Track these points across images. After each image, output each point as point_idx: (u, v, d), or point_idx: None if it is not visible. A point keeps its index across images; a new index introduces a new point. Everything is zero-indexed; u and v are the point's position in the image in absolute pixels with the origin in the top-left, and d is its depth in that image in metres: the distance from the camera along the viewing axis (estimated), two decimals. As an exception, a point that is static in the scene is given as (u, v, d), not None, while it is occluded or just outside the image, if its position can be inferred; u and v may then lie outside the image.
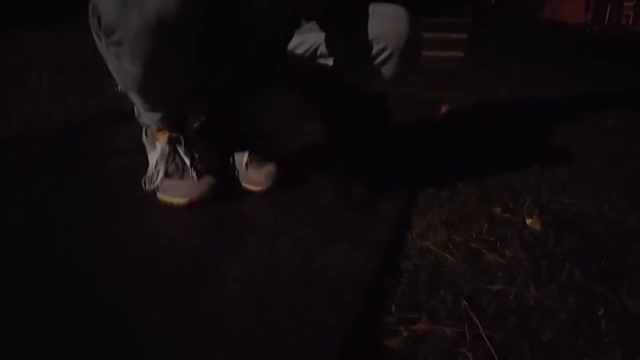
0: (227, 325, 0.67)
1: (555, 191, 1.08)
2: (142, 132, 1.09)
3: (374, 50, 0.92)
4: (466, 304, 0.75)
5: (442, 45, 2.29)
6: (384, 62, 0.92)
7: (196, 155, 1.03)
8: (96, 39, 0.87)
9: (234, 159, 1.11)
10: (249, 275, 0.79)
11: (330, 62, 0.98)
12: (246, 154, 1.08)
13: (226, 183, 1.05)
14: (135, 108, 1.04)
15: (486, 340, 0.68)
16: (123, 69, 0.85)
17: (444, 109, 1.60)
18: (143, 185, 1.03)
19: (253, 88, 0.87)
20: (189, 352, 0.62)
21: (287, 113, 0.99)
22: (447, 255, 0.86)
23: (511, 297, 0.76)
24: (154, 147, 1.04)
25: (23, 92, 1.78)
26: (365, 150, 0.94)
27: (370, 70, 0.94)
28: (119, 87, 0.96)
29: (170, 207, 1.01)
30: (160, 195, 1.02)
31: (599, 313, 0.71)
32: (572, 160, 1.29)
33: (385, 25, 0.90)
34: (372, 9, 0.93)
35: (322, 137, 1.09)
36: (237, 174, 1.10)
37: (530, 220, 0.95)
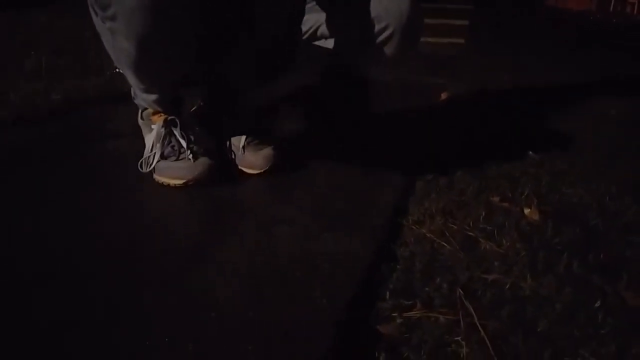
0: (222, 309, 0.67)
1: (555, 181, 1.07)
2: (138, 114, 1.08)
3: (376, 29, 0.91)
4: (461, 292, 0.74)
5: (443, 31, 2.25)
6: (386, 41, 0.92)
7: (192, 138, 1.02)
8: (92, 14, 0.85)
9: (230, 142, 1.10)
10: (244, 260, 0.78)
11: (330, 43, 0.96)
12: (243, 138, 1.07)
13: (223, 165, 1.04)
14: (132, 90, 1.02)
15: (480, 329, 0.68)
16: (118, 45, 0.83)
17: (443, 96, 1.58)
18: (139, 167, 1.02)
19: (256, 77, 0.85)
20: (184, 335, 0.62)
21: (286, 96, 0.97)
22: (444, 243, 0.86)
23: (507, 286, 0.75)
24: (150, 129, 1.03)
25: (22, 73, 1.76)
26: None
27: (371, 49, 0.94)
28: (116, 68, 0.94)
29: (167, 188, 1.00)
30: (156, 177, 1.01)
31: (596, 305, 0.71)
32: (572, 150, 1.27)
33: (387, 4, 0.90)
34: None
35: (319, 121, 1.08)
36: (233, 157, 1.09)
37: (529, 210, 0.94)
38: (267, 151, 1.06)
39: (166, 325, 0.64)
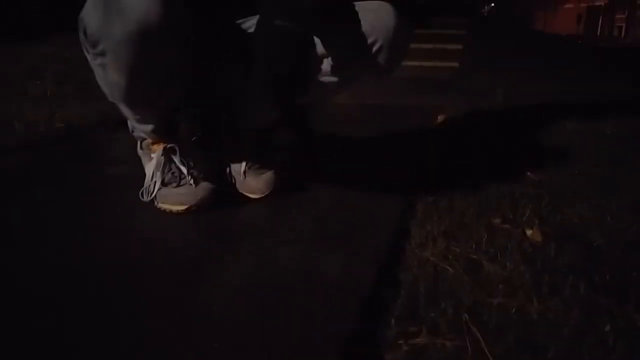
0: (224, 334, 0.66)
1: (555, 201, 1.07)
2: (137, 144, 1.09)
3: (365, 45, 0.93)
4: (467, 317, 0.73)
5: (438, 55, 2.30)
6: (376, 54, 0.94)
7: (192, 163, 1.03)
8: (85, 52, 0.88)
9: (230, 167, 1.10)
10: (245, 284, 0.78)
11: (327, 64, 0.97)
12: (244, 163, 1.08)
13: (223, 190, 1.04)
14: (129, 122, 1.04)
15: (488, 355, 0.67)
16: (109, 79, 0.85)
17: (440, 118, 1.60)
18: (140, 196, 1.02)
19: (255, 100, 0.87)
20: (187, 356, 0.61)
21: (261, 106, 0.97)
22: (447, 267, 0.85)
23: (513, 310, 0.75)
24: (150, 158, 1.04)
25: (27, 101, 1.79)
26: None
27: (363, 64, 0.96)
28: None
29: (169, 214, 1.00)
30: (158, 204, 1.01)
31: (606, 329, 0.69)
32: (570, 168, 1.28)
33: (372, 20, 0.92)
34: (359, 6, 0.94)
35: (319, 146, 1.09)
36: (234, 182, 1.10)
37: (531, 231, 0.94)
38: (268, 175, 1.07)
39: (169, 349, 0.63)
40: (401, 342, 0.69)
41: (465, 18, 2.19)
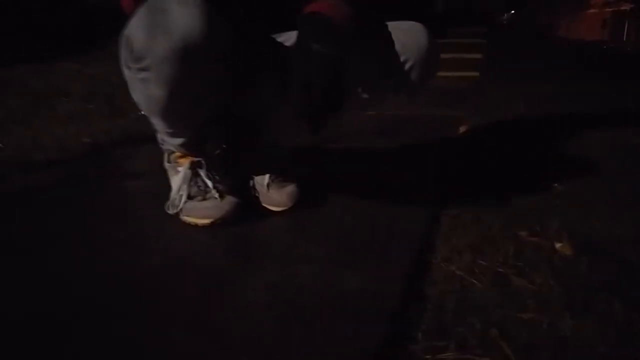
0: (251, 349, 0.66)
1: (584, 214, 1.04)
2: (163, 158, 1.11)
3: (397, 64, 0.95)
4: (496, 332, 0.72)
5: (458, 65, 2.29)
6: (408, 73, 0.96)
7: (217, 177, 1.04)
8: (125, 69, 0.90)
9: (254, 180, 1.12)
10: (270, 299, 0.78)
11: (359, 82, 0.99)
12: (267, 176, 1.09)
13: (247, 204, 1.06)
14: (158, 135, 1.06)
15: (519, 372, 0.65)
16: (149, 94, 0.88)
17: (462, 129, 1.59)
18: (166, 209, 1.04)
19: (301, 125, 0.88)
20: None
21: (298, 129, 0.99)
22: (474, 281, 0.84)
23: (544, 326, 0.73)
24: (177, 172, 1.06)
25: (55, 118, 1.86)
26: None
27: (394, 82, 0.98)
28: (140, 111, 0.99)
29: (194, 227, 1.02)
30: (183, 217, 1.03)
31: (641, 347, 0.67)
32: (598, 180, 1.25)
33: (404, 41, 0.95)
34: (391, 26, 0.96)
35: (343, 157, 1.09)
36: (257, 195, 1.11)
37: (560, 244, 0.92)
38: (291, 188, 1.08)
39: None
40: (429, 357, 0.68)
41: (484, 26, 2.18)
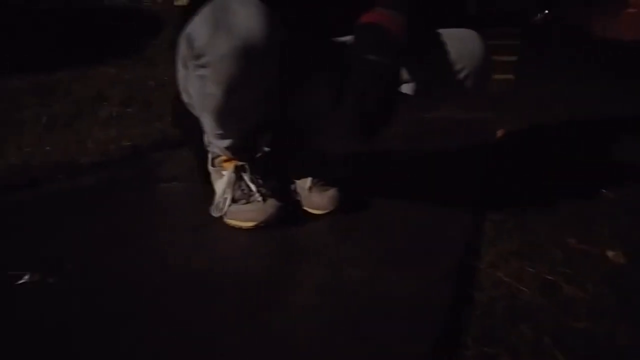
0: (304, 353, 0.67)
1: (636, 221, 1.01)
2: (208, 161, 1.13)
3: (450, 72, 0.96)
4: (549, 340, 0.71)
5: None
6: (460, 82, 0.97)
7: (260, 181, 1.06)
8: (181, 67, 0.93)
9: (296, 184, 1.13)
10: (318, 302, 0.79)
11: (406, 88, 0.99)
12: (309, 179, 1.10)
13: (289, 207, 1.07)
14: (205, 137, 1.09)
15: (576, 382, 0.64)
16: (206, 91, 0.90)
17: (499, 132, 1.57)
18: (211, 212, 1.07)
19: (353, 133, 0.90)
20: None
21: (349, 136, 1.00)
22: (522, 288, 0.83)
23: (600, 336, 0.71)
24: (221, 175, 1.08)
25: (96, 122, 1.92)
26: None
27: (447, 91, 0.99)
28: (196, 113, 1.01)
29: (234, 229, 1.03)
30: (228, 220, 1.05)
31: None
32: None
33: (459, 49, 0.95)
34: (445, 34, 0.97)
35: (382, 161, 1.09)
36: (299, 198, 1.12)
37: (612, 253, 0.89)
38: (333, 192, 1.09)
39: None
40: (481, 364, 0.68)
41: (518, 27, 2.14)
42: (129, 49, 2.79)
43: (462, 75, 0.96)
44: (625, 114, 1.67)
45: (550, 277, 0.85)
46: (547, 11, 3.05)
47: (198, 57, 0.86)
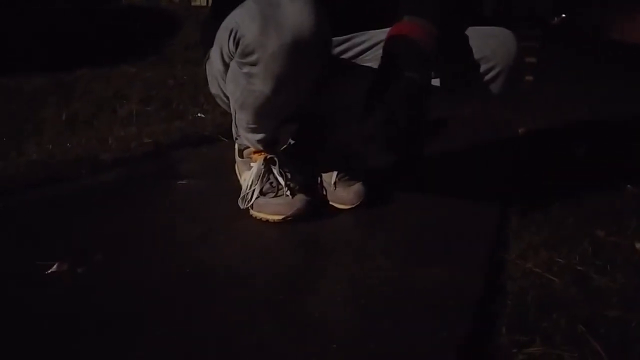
0: (342, 341, 0.68)
1: (662, 215, 1.01)
2: (235, 153, 1.15)
3: (482, 69, 0.95)
4: (583, 329, 0.72)
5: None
6: (491, 80, 0.96)
7: (289, 175, 1.07)
8: (218, 63, 0.93)
9: (322, 178, 1.14)
10: (351, 291, 0.80)
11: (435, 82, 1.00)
12: (335, 173, 1.11)
13: (315, 201, 1.08)
14: (233, 130, 1.10)
15: (613, 368, 0.65)
16: (251, 88, 0.90)
17: (521, 130, 1.57)
18: (239, 203, 1.08)
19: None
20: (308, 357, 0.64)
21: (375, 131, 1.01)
22: (553, 278, 0.83)
23: (633, 324, 0.72)
24: (249, 167, 1.09)
25: (116, 119, 1.95)
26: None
27: (475, 89, 0.97)
28: (231, 106, 1.01)
29: (261, 222, 1.05)
30: (254, 212, 1.06)
31: None
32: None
33: (494, 46, 0.95)
34: (479, 32, 0.97)
35: (407, 156, 1.10)
36: (325, 192, 1.14)
37: (641, 244, 0.90)
38: (358, 187, 1.10)
39: (288, 358, 0.66)
40: (515, 350, 0.69)
41: (536, 30, 2.14)
42: (147, 48, 2.82)
43: (494, 72, 0.95)
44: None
45: (580, 268, 0.85)
46: (563, 15, 3.05)
47: (246, 54, 0.85)
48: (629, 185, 1.12)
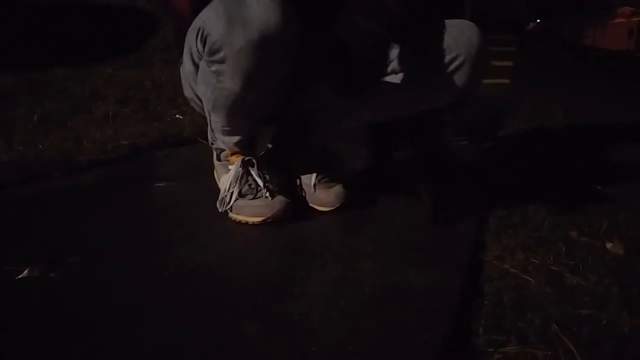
0: (321, 342, 0.68)
1: (632, 217, 1.05)
2: (213, 155, 1.14)
3: (446, 60, 0.95)
4: (556, 328, 0.73)
5: (488, 72, 2.26)
6: (455, 70, 0.96)
7: (267, 177, 1.07)
8: (188, 62, 0.93)
9: (301, 180, 1.14)
10: (333, 292, 0.80)
11: (398, 78, 1.00)
12: (314, 175, 1.11)
13: (295, 204, 1.08)
14: (209, 134, 1.09)
15: (585, 366, 0.66)
16: (220, 86, 0.90)
17: (499, 133, 1.61)
18: (217, 207, 1.06)
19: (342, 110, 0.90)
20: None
21: (355, 134, 1.01)
22: (528, 278, 0.85)
23: (604, 322, 0.74)
24: (227, 170, 1.08)
25: (92, 120, 1.91)
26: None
27: (441, 81, 0.97)
28: (205, 109, 1.00)
29: (242, 225, 1.03)
30: (233, 215, 1.05)
31: None
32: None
33: (455, 35, 0.95)
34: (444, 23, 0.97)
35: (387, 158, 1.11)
36: (304, 195, 1.13)
37: (611, 244, 0.93)
38: (338, 189, 1.10)
39: (270, 357, 0.65)
40: (491, 350, 0.70)
41: (513, 35, 2.20)
42: (124, 48, 2.77)
43: (456, 64, 0.94)
44: (618, 118, 1.73)
45: (554, 268, 0.87)
46: (538, 20, 3.14)
47: (213, 52, 0.85)
48: (599, 187, 1.15)
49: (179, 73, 1.11)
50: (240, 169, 1.05)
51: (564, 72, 2.44)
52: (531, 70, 2.32)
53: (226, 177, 1.08)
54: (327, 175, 1.11)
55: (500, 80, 2.30)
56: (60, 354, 0.65)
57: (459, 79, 0.96)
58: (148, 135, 1.88)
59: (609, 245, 0.93)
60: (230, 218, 1.06)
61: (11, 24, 2.69)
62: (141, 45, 2.84)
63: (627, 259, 0.89)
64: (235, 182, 1.05)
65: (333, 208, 1.09)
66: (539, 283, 0.83)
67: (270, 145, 1.20)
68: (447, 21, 0.97)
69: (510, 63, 2.27)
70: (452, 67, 0.95)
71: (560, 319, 0.75)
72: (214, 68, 0.88)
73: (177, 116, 2.00)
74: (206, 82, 0.92)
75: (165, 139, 1.84)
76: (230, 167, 1.08)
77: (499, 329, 0.73)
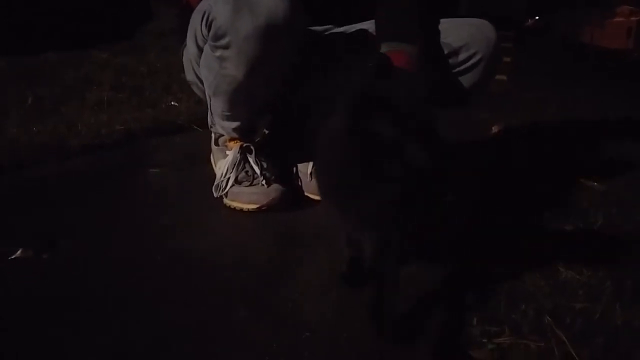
0: (315, 329, 0.68)
1: (625, 211, 1.05)
2: (212, 141, 1.12)
3: (463, 57, 0.96)
4: (549, 320, 0.73)
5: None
6: (472, 67, 0.97)
7: (264, 164, 1.06)
8: (192, 46, 0.92)
9: (297, 168, 1.13)
10: (326, 279, 0.80)
11: None
12: (311, 164, 1.10)
13: (291, 192, 1.07)
14: (209, 117, 1.08)
15: (576, 357, 0.67)
16: (223, 72, 0.89)
17: (494, 129, 1.61)
18: (213, 192, 1.06)
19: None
20: (281, 356, 0.63)
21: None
22: (522, 271, 0.85)
23: (597, 315, 0.74)
24: (224, 155, 1.07)
25: (86, 106, 1.88)
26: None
27: (455, 78, 0.98)
28: (206, 93, 0.99)
29: (236, 212, 1.03)
30: (228, 201, 1.04)
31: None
32: (635, 180, 1.25)
33: (472, 32, 0.96)
34: (455, 21, 0.98)
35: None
36: (300, 183, 1.12)
37: (605, 236, 0.93)
38: (334, 178, 1.09)
39: (262, 345, 0.65)
40: (485, 340, 0.70)
41: (511, 31, 2.18)
42: (118, 33, 2.73)
43: (473, 60, 0.96)
44: (614, 114, 1.74)
45: (548, 261, 0.87)
46: (537, 17, 3.13)
47: (218, 37, 0.84)
48: (595, 184, 1.16)
49: (181, 55, 1.09)
50: (238, 155, 1.05)
51: (562, 69, 2.44)
52: (529, 66, 2.32)
53: (223, 163, 1.07)
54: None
55: (497, 77, 2.29)
56: (46, 332, 0.65)
57: (476, 75, 0.98)
58: (142, 122, 1.86)
59: (603, 239, 0.93)
60: (225, 204, 1.05)
61: (5, 7, 2.64)
62: (137, 31, 2.81)
63: (620, 254, 0.89)
64: (232, 168, 1.05)
65: (329, 198, 1.08)
66: (533, 276, 0.83)
67: (267, 131, 1.19)
68: (463, 19, 0.98)
69: (508, 59, 2.27)
70: (468, 64, 0.97)
71: (554, 311, 0.75)
72: (217, 53, 0.87)
73: (172, 103, 1.98)
74: (209, 66, 0.91)
75: (160, 125, 1.82)
76: (227, 152, 1.07)
77: (492, 320, 0.73)
